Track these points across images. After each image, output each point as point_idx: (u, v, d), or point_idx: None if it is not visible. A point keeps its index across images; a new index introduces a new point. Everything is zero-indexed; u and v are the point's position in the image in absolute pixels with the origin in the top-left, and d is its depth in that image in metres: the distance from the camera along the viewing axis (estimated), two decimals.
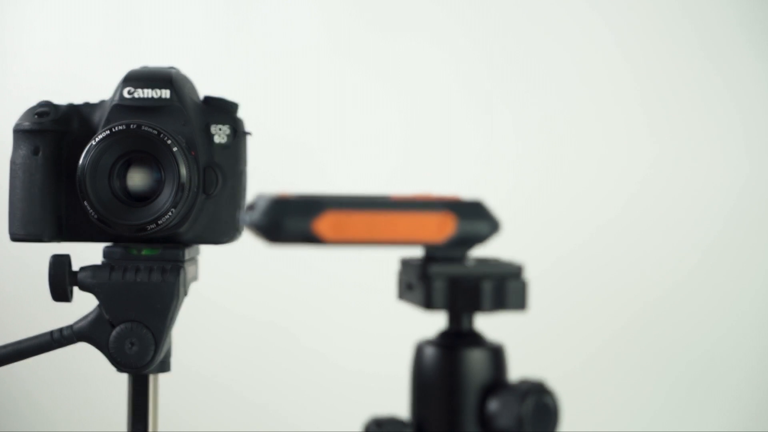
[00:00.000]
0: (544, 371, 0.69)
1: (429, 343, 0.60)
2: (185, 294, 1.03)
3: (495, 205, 0.60)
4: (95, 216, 0.99)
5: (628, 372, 1.72)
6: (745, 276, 1.72)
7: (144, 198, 1.00)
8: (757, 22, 1.70)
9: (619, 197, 1.71)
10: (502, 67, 1.71)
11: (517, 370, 0.60)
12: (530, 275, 0.59)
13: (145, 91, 1.01)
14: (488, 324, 0.61)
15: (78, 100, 1.04)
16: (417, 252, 0.61)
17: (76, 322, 1.01)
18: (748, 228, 1.71)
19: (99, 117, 1.02)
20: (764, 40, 1.70)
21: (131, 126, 0.99)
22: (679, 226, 1.71)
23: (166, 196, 0.99)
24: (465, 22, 1.70)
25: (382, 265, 0.80)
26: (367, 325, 1.69)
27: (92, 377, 1.58)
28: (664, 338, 1.71)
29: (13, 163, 1.02)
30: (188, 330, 1.33)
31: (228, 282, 1.66)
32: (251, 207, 0.57)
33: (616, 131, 1.71)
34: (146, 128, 0.98)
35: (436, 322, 0.61)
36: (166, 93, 1.01)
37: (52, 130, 1.02)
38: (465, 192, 0.62)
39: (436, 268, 0.58)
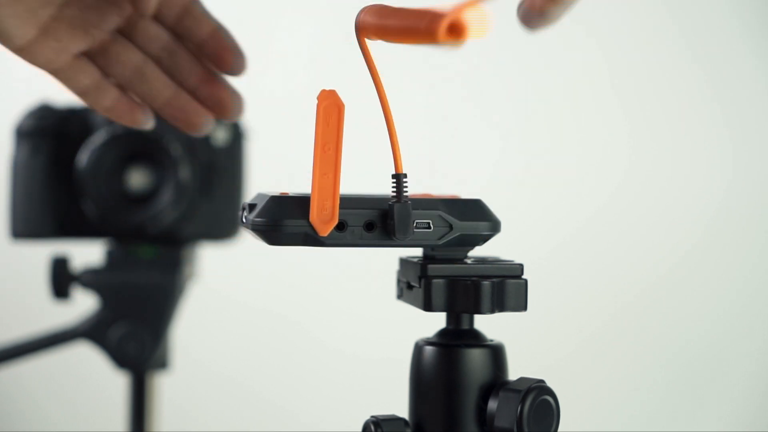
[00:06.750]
0: (543, 369, 0.69)
1: (428, 342, 0.59)
2: (184, 292, 1.04)
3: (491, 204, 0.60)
4: (95, 215, 0.99)
5: (627, 370, 1.71)
6: (736, 270, 1.72)
7: (143, 198, 1.00)
8: (741, 18, 1.70)
9: (606, 194, 1.71)
10: (495, 69, 1.71)
11: (515, 369, 0.60)
12: (529, 273, 0.59)
13: None
14: (487, 323, 0.61)
15: (78, 101, 1.04)
16: (417, 252, 0.61)
17: (76, 322, 1.01)
18: (737, 222, 1.71)
19: (99, 118, 1.02)
20: (747, 36, 1.70)
21: (131, 127, 0.99)
22: (666, 223, 1.71)
23: (165, 195, 0.99)
24: None
25: (382, 265, 0.80)
26: (366, 324, 1.69)
27: (92, 377, 1.58)
28: (663, 337, 1.71)
29: (13, 163, 1.02)
30: (192, 327, 1.34)
31: (230, 279, 1.66)
32: (251, 207, 0.57)
33: (602, 130, 1.71)
34: (146, 129, 0.98)
35: (435, 321, 0.61)
36: None
37: (52, 131, 1.02)
38: (465, 191, 0.62)
39: (435, 269, 0.58)
